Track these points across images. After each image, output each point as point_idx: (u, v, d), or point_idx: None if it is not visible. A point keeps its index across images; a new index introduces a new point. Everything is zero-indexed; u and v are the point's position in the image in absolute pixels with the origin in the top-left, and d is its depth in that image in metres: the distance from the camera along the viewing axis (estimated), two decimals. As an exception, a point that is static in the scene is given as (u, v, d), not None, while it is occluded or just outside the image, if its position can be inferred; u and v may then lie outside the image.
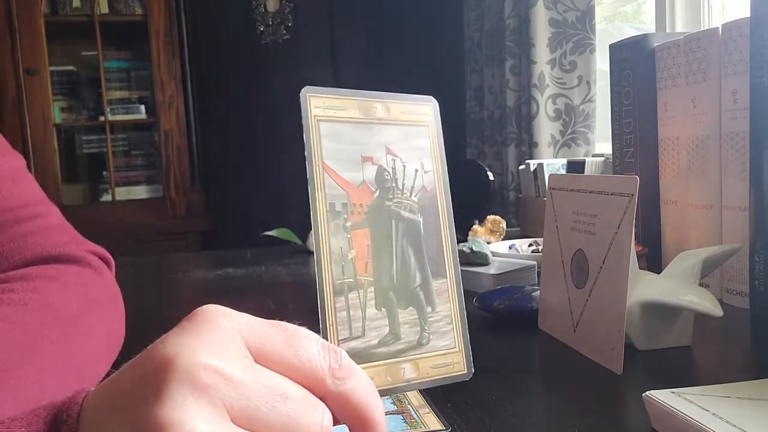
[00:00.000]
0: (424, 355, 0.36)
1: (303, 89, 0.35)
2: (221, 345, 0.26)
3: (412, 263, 0.37)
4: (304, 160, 0.34)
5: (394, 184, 0.37)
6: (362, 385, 0.29)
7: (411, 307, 0.36)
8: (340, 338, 0.33)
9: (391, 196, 0.37)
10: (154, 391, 0.24)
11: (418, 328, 0.36)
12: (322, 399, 0.28)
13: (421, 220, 0.38)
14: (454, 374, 0.37)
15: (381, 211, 0.36)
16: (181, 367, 0.25)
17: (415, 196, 0.38)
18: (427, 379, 0.36)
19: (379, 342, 0.34)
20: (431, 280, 0.37)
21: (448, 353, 0.37)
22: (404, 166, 0.38)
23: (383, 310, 0.35)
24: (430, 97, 0.40)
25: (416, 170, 0.38)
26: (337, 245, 0.34)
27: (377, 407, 0.29)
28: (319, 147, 0.35)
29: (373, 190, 0.36)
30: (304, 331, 0.29)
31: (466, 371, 0.38)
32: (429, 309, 0.37)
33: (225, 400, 0.25)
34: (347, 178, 0.35)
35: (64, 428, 0.26)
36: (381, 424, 0.29)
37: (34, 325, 0.48)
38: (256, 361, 0.27)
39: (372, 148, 0.37)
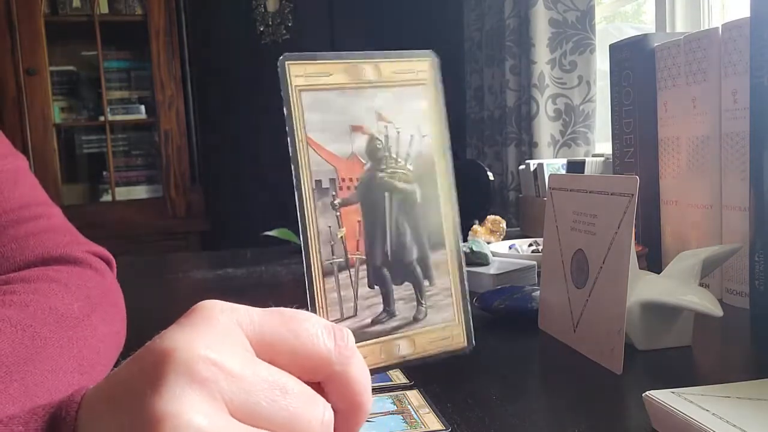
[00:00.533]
0: (420, 330, 0.34)
1: (281, 57, 0.32)
2: (220, 338, 0.26)
3: (408, 237, 0.35)
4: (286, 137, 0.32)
5: (387, 153, 0.34)
6: (363, 366, 0.29)
7: (407, 283, 0.35)
8: (330, 320, 0.32)
9: (383, 167, 0.34)
10: (151, 384, 0.24)
11: (414, 303, 0.35)
12: (325, 381, 0.28)
13: (418, 189, 0.35)
14: (453, 348, 0.36)
15: (373, 184, 0.34)
16: (179, 360, 0.24)
17: (411, 164, 0.35)
18: (424, 355, 0.35)
19: (373, 320, 0.33)
20: (429, 253, 0.35)
21: (447, 326, 0.35)
22: (398, 133, 0.35)
23: (376, 287, 0.34)
24: (429, 51, 0.37)
25: (411, 136, 0.35)
26: (325, 224, 0.33)
27: (369, 391, 0.29)
28: (301, 120, 0.32)
29: (364, 162, 0.34)
30: (303, 314, 0.28)
31: (465, 344, 0.36)
32: (426, 283, 0.35)
33: (224, 394, 0.25)
34: (334, 151, 0.33)
35: (63, 426, 0.26)
36: (369, 409, 0.29)
37: (36, 328, 0.48)
38: (257, 351, 0.27)
39: (362, 115, 0.34)
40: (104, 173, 2.74)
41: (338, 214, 0.33)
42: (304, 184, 0.32)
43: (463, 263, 0.36)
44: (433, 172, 0.36)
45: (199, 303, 0.28)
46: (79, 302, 0.53)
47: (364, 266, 0.34)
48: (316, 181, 0.33)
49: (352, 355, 0.28)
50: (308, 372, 0.27)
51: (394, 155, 0.35)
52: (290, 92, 0.32)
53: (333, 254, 0.33)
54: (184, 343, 0.25)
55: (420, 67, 0.36)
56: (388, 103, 0.35)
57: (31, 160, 2.52)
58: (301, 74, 0.32)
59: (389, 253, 0.34)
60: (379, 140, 0.34)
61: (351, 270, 0.33)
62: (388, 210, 0.35)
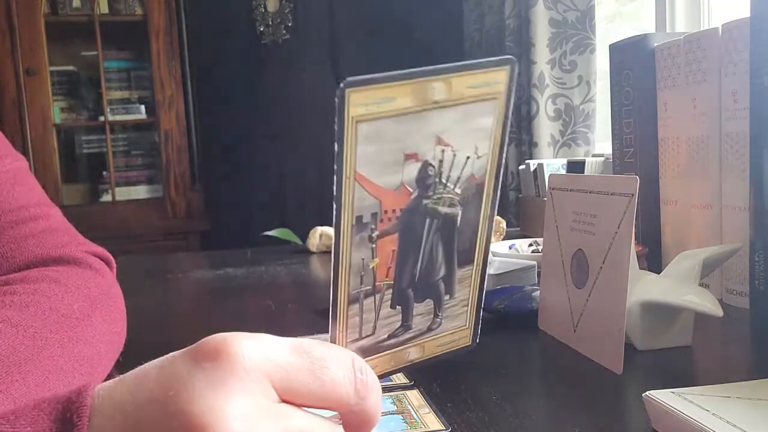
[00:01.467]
0: (431, 337, 0.34)
1: (343, 83, 0.27)
2: (248, 400, 0.26)
3: (440, 257, 0.33)
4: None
5: (437, 180, 0.31)
6: (377, 399, 0.30)
7: (428, 300, 0.34)
8: (348, 340, 0.32)
9: (430, 194, 0.32)
10: None
11: (431, 316, 0.34)
12: (342, 412, 0.29)
13: (460, 212, 0.33)
14: (457, 347, 0.36)
15: (416, 212, 0.32)
16: None
17: (459, 187, 0.32)
18: (431, 356, 0.35)
19: (389, 335, 0.33)
20: (456, 270, 0.34)
21: (456, 332, 0.35)
22: (454, 155, 0.31)
23: (398, 308, 0.33)
24: (510, 57, 0.32)
25: (468, 157, 0.32)
26: (359, 257, 0.30)
27: (379, 416, 0.30)
28: (353, 155, 0.28)
29: (411, 191, 0.31)
30: (329, 355, 0.28)
31: (470, 342, 0.36)
32: (447, 297, 0.34)
33: None
34: (382, 184, 0.30)
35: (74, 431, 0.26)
36: (375, 425, 0.30)
37: (37, 328, 0.48)
38: (281, 397, 0.27)
39: (418, 141, 0.30)
40: (104, 173, 2.74)
41: (374, 246, 0.31)
42: (343, 222, 0.29)
43: (485, 277, 0.35)
44: (480, 192, 0.33)
45: (221, 341, 0.27)
46: (79, 302, 0.53)
47: (390, 290, 0.32)
48: (356, 216, 0.29)
49: (368, 394, 0.29)
50: (327, 408, 0.29)
51: (444, 180, 0.32)
52: (346, 125, 0.27)
53: (361, 284, 0.31)
54: (215, 416, 0.25)
55: (496, 78, 0.32)
56: (451, 123, 0.30)
57: (31, 160, 2.52)
58: (362, 103, 0.27)
59: (417, 275, 0.33)
60: (432, 166, 0.31)
61: (377, 296, 0.32)
62: (425, 236, 0.32)
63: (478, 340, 0.36)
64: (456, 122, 0.30)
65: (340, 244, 0.29)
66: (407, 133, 0.29)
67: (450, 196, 0.32)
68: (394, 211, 0.30)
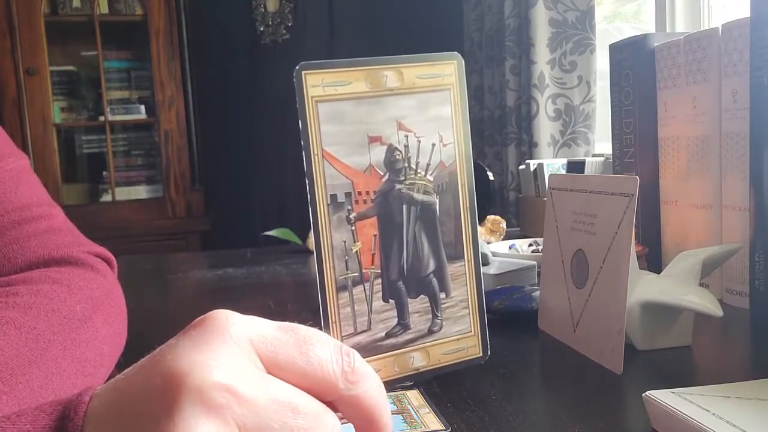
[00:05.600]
0: (435, 342, 0.34)
1: (299, 65, 0.31)
2: (232, 358, 0.26)
3: (425, 250, 0.34)
4: (301, 150, 0.30)
5: (406, 164, 0.33)
6: (373, 389, 0.29)
7: (422, 296, 0.34)
8: (343, 334, 0.32)
9: (402, 178, 0.33)
10: (165, 411, 0.24)
11: (430, 316, 0.34)
12: (334, 402, 0.28)
13: (437, 201, 0.34)
14: (468, 358, 0.35)
15: (391, 196, 0.33)
16: (193, 386, 0.24)
17: (431, 174, 0.34)
18: (438, 366, 0.34)
19: (387, 334, 0.32)
20: (446, 265, 0.34)
21: (462, 338, 0.35)
22: (419, 142, 0.33)
23: (391, 301, 0.33)
24: (454, 53, 0.35)
25: (433, 145, 0.33)
26: (340, 239, 0.31)
27: (386, 410, 0.29)
28: (317, 133, 0.31)
29: (382, 173, 0.32)
30: (316, 335, 0.28)
31: (481, 354, 0.36)
32: (443, 295, 0.34)
33: (237, 419, 0.25)
34: (351, 164, 0.31)
35: (69, 426, 0.26)
36: (389, 426, 0.29)
37: (40, 330, 0.48)
38: (267, 370, 0.27)
39: (380, 125, 0.32)
40: (104, 173, 2.74)
41: (353, 228, 0.32)
42: (318, 199, 0.31)
43: (481, 274, 0.35)
44: (454, 181, 0.34)
45: (210, 313, 0.28)
46: (81, 304, 0.53)
47: (379, 280, 0.33)
48: (331, 195, 0.31)
49: (360, 380, 0.28)
50: (317, 394, 0.28)
51: (413, 166, 0.33)
52: (306, 104, 0.31)
53: (347, 269, 0.32)
54: (197, 367, 0.25)
55: (446, 71, 0.34)
56: (410, 111, 0.33)
57: (31, 160, 2.50)
58: (318, 84, 0.31)
59: (405, 267, 0.33)
60: (399, 150, 0.33)
61: (365, 284, 0.32)
62: (405, 223, 0.33)
63: (489, 353, 0.35)
64: (414, 109, 0.33)
65: (318, 222, 0.31)
66: (367, 116, 0.32)
67: (423, 182, 0.34)
68: (368, 193, 0.32)
